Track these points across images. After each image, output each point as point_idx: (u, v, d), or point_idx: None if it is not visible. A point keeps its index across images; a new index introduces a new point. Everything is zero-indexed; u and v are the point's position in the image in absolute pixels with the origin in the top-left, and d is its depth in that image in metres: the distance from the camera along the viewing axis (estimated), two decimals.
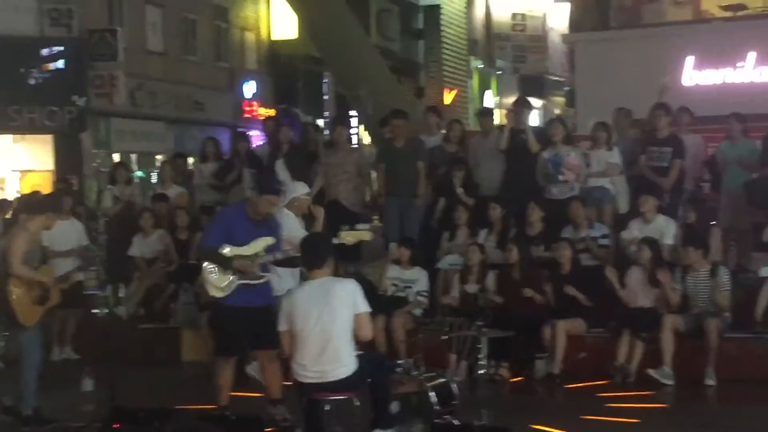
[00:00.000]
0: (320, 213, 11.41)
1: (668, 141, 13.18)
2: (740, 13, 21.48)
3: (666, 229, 12.33)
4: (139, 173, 26.36)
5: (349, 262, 13.58)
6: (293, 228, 10.47)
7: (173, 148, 26.16)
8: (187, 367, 12.92)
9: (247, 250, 9.31)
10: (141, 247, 14.52)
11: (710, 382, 11.23)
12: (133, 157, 26.68)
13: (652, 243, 11.95)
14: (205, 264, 9.41)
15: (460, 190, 13.64)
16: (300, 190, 11.03)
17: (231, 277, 9.30)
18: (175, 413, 8.66)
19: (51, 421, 9.76)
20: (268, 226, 9.52)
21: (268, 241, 9.45)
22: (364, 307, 8.02)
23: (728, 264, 12.40)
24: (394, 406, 8.64)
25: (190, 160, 18.98)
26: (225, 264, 9.29)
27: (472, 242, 12.73)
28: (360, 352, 8.27)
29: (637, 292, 11.88)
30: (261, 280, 9.44)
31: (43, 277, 9.91)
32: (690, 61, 17.60)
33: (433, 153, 14.26)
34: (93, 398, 10.38)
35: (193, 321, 13.15)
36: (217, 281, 9.33)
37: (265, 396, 9.59)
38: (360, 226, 9.22)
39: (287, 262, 9.67)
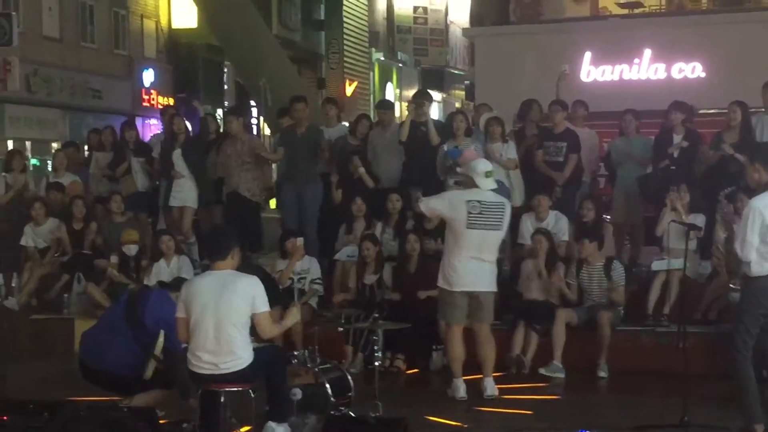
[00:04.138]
0: None
1: (564, 136, 13.34)
2: (637, 11, 21.83)
3: (558, 226, 12.50)
4: (34, 161, 25.91)
5: (252, 252, 13.54)
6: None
7: (69, 135, 25.74)
8: None
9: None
10: (33, 236, 14.29)
11: (603, 374, 11.40)
12: (27, 144, 26.19)
13: (548, 235, 12.09)
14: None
15: (361, 170, 13.64)
16: None
17: None
18: (67, 405, 8.51)
19: None
20: None
21: None
22: (263, 306, 8.03)
23: (622, 258, 12.60)
24: (297, 393, 8.62)
25: (86, 147, 18.69)
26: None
27: (367, 234, 12.73)
28: (257, 345, 8.26)
29: (530, 284, 12.01)
30: None
31: None
32: (587, 56, 17.81)
33: (336, 144, 14.24)
34: None
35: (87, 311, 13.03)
36: None
37: None
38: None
39: None
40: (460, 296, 10.33)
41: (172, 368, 8.68)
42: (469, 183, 10.39)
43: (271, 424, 8.24)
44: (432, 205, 10.44)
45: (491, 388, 10.43)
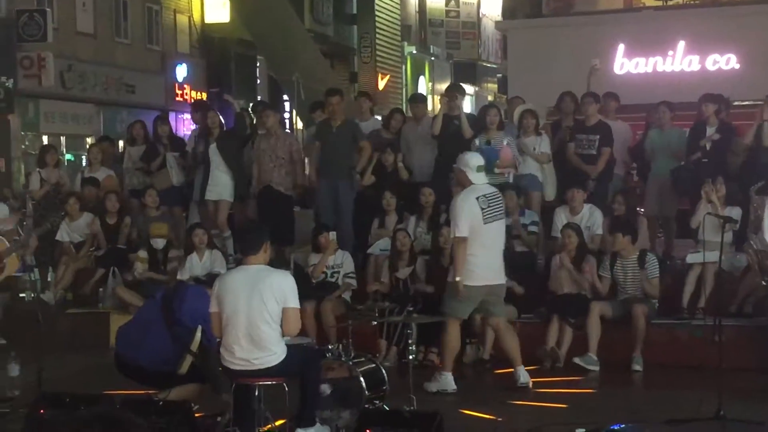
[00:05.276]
0: None
1: (597, 128, 13.28)
2: (670, 2, 21.65)
3: (593, 219, 12.45)
4: (69, 156, 26.05)
5: (284, 246, 13.54)
6: None
7: (103, 130, 25.86)
8: None
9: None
10: (68, 231, 14.37)
11: (637, 367, 11.34)
12: (62, 139, 26.34)
13: (577, 229, 12.04)
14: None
15: (400, 165, 13.64)
16: None
17: None
18: (102, 398, 8.55)
19: None
20: None
21: None
22: (293, 302, 8.02)
23: (656, 251, 12.53)
24: (326, 388, 8.63)
25: (121, 143, 18.79)
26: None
27: (399, 228, 12.72)
28: (294, 343, 8.26)
29: (562, 279, 11.96)
30: None
31: None
32: (621, 49, 17.74)
33: (369, 138, 14.23)
34: (19, 383, 10.24)
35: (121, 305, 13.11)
36: None
37: None
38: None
39: None
40: (477, 291, 10.28)
41: (205, 363, 8.70)
42: (463, 180, 10.35)
43: (299, 431, 8.23)
44: (464, 227, 10.13)
45: (524, 376, 10.41)
